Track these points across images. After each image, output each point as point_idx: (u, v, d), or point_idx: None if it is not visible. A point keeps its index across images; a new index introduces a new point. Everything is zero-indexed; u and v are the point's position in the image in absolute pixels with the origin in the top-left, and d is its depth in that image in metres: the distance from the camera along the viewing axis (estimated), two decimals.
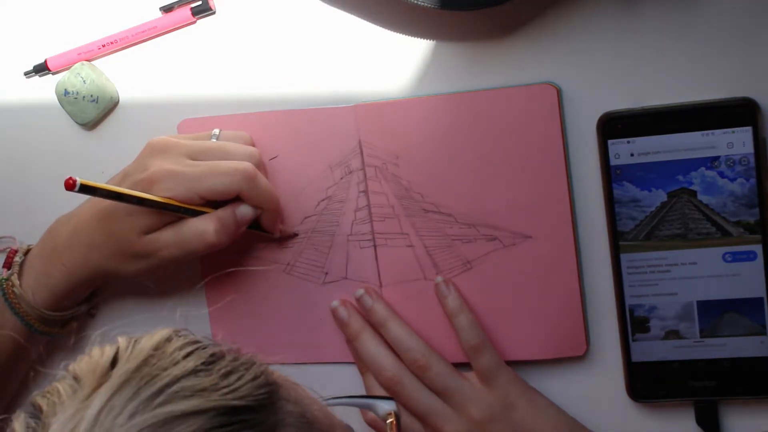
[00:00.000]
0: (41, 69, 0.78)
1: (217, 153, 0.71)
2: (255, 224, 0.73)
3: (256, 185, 0.70)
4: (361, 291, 0.74)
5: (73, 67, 0.77)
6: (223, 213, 0.70)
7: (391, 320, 0.72)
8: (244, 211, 0.71)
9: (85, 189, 0.64)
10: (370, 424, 0.72)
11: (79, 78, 0.77)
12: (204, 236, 0.69)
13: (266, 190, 0.71)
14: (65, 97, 0.77)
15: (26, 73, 0.79)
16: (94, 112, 0.77)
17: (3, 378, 0.76)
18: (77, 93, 0.77)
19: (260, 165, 0.73)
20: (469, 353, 0.70)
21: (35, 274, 0.73)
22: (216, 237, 0.69)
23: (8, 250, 0.77)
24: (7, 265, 0.75)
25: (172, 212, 0.69)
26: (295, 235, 0.75)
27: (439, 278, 0.72)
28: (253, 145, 0.74)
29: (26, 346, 0.74)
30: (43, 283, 0.73)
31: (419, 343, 0.71)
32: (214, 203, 0.70)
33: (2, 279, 0.74)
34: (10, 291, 0.73)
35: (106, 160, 0.78)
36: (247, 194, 0.70)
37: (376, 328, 0.73)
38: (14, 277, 0.74)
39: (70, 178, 0.63)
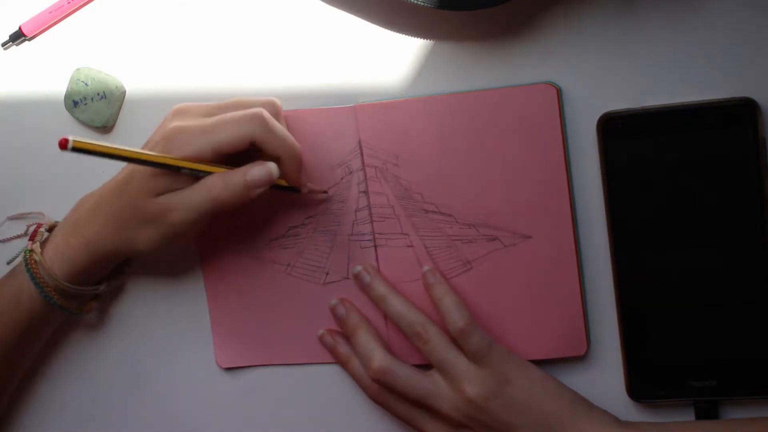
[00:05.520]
0: (17, 36, 0.78)
1: (233, 107, 0.70)
2: (281, 187, 0.72)
3: (271, 130, 0.68)
4: (359, 268, 0.74)
5: (71, 77, 0.77)
6: (231, 171, 0.68)
7: (390, 295, 0.73)
8: (256, 171, 0.68)
9: (79, 150, 0.62)
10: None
11: (80, 83, 0.77)
12: (210, 193, 0.68)
13: (282, 135, 0.69)
14: (76, 108, 0.77)
15: (3, 44, 0.79)
16: (107, 108, 0.77)
17: (17, 353, 0.76)
18: (85, 98, 0.77)
19: (278, 115, 0.71)
20: (458, 337, 0.70)
21: (55, 246, 0.73)
22: (222, 193, 0.68)
23: (36, 225, 0.77)
24: (32, 238, 0.75)
25: (183, 173, 0.68)
26: (325, 192, 0.74)
27: (426, 267, 0.73)
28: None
29: (43, 320, 0.75)
30: (63, 255, 0.73)
31: (419, 316, 0.72)
32: (234, 163, 0.69)
33: (26, 250, 0.74)
34: (32, 261, 0.73)
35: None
36: (261, 140, 0.68)
37: (376, 304, 0.73)
38: (36, 246, 0.74)
39: (64, 138, 0.61)
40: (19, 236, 0.80)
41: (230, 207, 0.69)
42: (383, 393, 0.73)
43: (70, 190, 0.80)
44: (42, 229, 0.75)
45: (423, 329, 0.71)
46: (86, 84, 0.77)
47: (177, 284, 0.79)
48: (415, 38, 0.72)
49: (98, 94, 0.77)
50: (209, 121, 0.69)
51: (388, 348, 0.73)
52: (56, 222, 0.77)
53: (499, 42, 0.71)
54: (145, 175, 0.69)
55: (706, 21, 0.67)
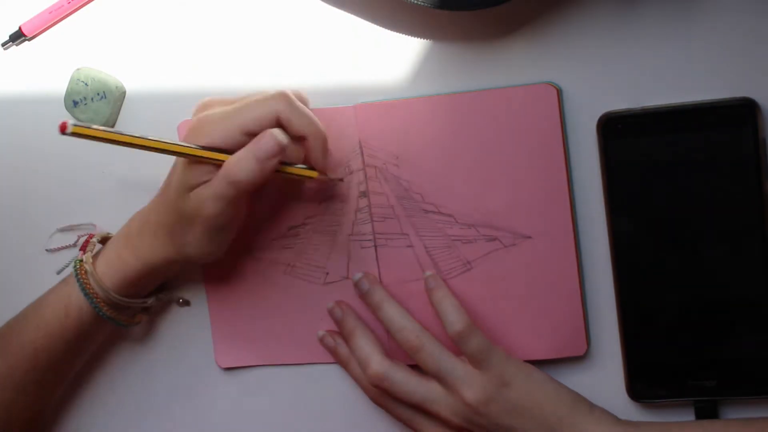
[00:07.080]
0: (17, 36, 0.78)
1: (256, 95, 0.69)
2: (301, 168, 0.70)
3: (295, 107, 0.67)
4: (359, 275, 0.74)
5: (71, 77, 0.77)
6: (241, 150, 0.66)
7: (386, 302, 0.72)
8: (264, 142, 0.66)
9: (79, 135, 0.61)
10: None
11: (80, 83, 0.77)
12: (227, 177, 0.65)
13: (307, 113, 0.68)
14: (76, 108, 0.77)
15: (3, 44, 0.79)
16: (107, 108, 0.77)
17: (63, 363, 0.76)
18: (85, 98, 0.77)
19: (304, 101, 0.71)
20: (456, 340, 0.70)
21: (107, 258, 0.73)
22: (238, 174, 0.65)
23: (87, 236, 0.76)
24: (83, 248, 0.75)
25: (212, 164, 0.66)
26: (341, 180, 0.73)
27: (428, 273, 0.73)
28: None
29: (90, 331, 0.74)
30: (115, 267, 0.72)
31: (413, 324, 0.71)
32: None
33: (76, 260, 0.74)
34: (82, 271, 0.73)
35: (110, 159, 0.79)
36: (286, 117, 0.67)
37: (372, 311, 0.73)
38: (87, 257, 0.73)
39: (63, 122, 0.60)
40: (68, 246, 0.80)
41: (251, 186, 0.66)
42: (383, 396, 0.73)
43: (72, 189, 0.80)
44: (94, 240, 0.75)
45: (416, 338, 0.71)
46: (86, 84, 0.77)
47: (177, 284, 0.79)
48: (415, 38, 0.72)
49: (98, 94, 0.77)
50: (232, 105, 0.68)
51: (386, 350, 0.73)
52: (108, 234, 0.76)
53: (499, 42, 0.71)
54: (179, 174, 0.68)
55: (706, 21, 0.67)
